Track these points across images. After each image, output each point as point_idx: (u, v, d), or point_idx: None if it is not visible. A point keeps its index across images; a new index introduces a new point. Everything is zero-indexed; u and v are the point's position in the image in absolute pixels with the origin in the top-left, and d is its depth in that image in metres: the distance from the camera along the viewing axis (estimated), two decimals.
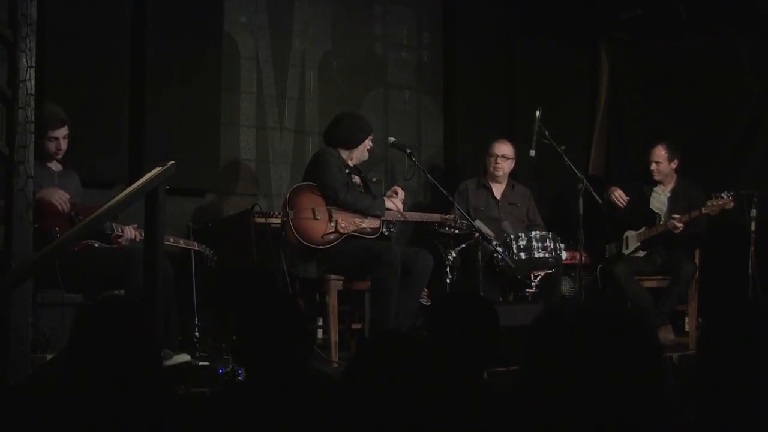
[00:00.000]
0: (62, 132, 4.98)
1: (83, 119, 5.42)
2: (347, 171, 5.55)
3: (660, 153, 6.34)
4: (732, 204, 5.97)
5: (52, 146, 4.98)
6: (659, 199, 6.38)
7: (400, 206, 5.63)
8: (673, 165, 6.35)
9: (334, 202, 5.38)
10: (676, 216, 6.06)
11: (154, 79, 5.84)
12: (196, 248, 5.35)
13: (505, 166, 6.27)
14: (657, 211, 6.34)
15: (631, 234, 6.38)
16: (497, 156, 6.25)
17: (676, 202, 6.31)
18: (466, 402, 2.63)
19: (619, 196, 6.36)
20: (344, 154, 5.57)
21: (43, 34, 4.75)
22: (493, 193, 6.32)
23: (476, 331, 3.04)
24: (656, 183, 6.41)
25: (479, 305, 3.17)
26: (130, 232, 4.94)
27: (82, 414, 2.63)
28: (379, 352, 2.22)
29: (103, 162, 5.63)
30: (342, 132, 5.61)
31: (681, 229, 6.05)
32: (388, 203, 5.56)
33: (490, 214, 6.22)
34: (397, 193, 5.66)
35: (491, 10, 7.41)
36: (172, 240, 5.12)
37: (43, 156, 4.88)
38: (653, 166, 6.33)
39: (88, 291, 4.74)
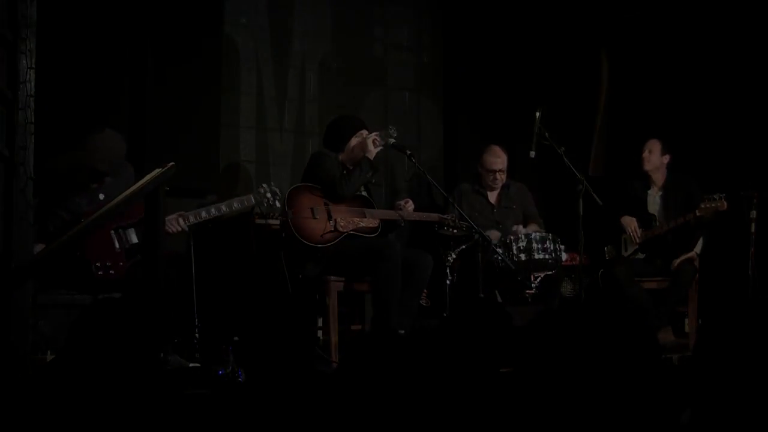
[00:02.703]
0: (107, 179, 4.96)
1: (84, 120, 5.43)
2: (344, 172, 5.57)
3: (654, 144, 6.35)
4: (725, 206, 5.95)
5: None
6: (654, 200, 6.39)
7: (375, 140, 5.57)
8: (665, 159, 6.36)
9: (336, 196, 5.41)
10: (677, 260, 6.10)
11: (154, 81, 5.84)
12: (253, 202, 5.26)
13: (504, 177, 6.26)
14: (654, 213, 6.34)
15: (628, 236, 6.37)
16: (495, 171, 6.20)
17: (668, 199, 6.32)
18: (465, 401, 2.63)
19: (634, 230, 6.30)
20: (340, 156, 5.63)
21: (43, 35, 4.76)
22: (488, 199, 6.31)
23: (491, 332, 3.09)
24: (649, 185, 6.40)
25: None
26: (173, 226, 4.92)
27: (80, 416, 2.64)
28: (375, 352, 2.23)
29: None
30: (329, 135, 5.71)
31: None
32: (369, 144, 5.54)
33: (487, 219, 6.22)
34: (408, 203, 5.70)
35: (491, 11, 7.41)
36: (224, 207, 5.06)
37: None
38: (645, 154, 6.34)
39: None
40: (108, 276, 4.82)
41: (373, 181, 5.79)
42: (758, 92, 6.88)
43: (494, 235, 5.94)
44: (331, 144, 5.69)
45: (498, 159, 6.22)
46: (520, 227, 6.11)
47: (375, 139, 5.56)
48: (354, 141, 5.63)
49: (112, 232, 4.88)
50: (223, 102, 6.27)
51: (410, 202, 5.77)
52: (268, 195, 5.29)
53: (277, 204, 5.28)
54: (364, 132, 5.67)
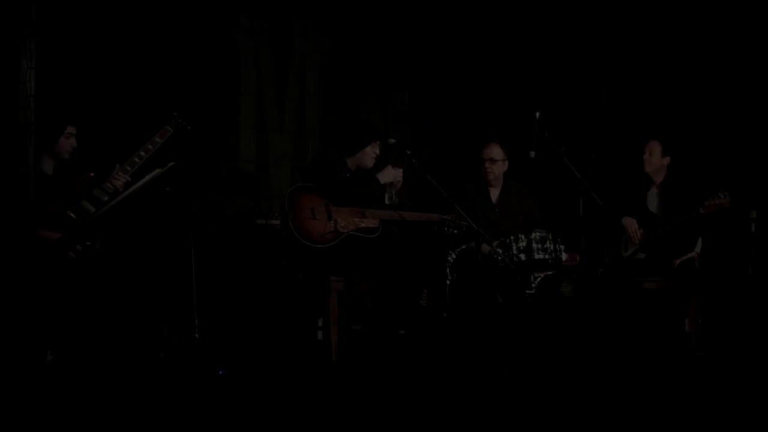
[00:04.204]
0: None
1: (84, 121, 5.44)
2: (348, 175, 5.59)
3: (655, 146, 6.38)
4: (729, 203, 5.98)
5: (67, 144, 4.96)
6: (653, 200, 6.41)
7: (398, 175, 5.66)
8: (665, 161, 6.38)
9: (337, 198, 5.42)
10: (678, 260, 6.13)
11: (154, 82, 5.86)
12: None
13: (495, 169, 6.28)
14: (655, 213, 6.36)
15: (628, 237, 6.39)
16: (485, 160, 6.26)
17: (668, 199, 6.34)
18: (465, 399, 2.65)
19: (635, 231, 6.32)
20: (347, 159, 5.64)
21: (43, 35, 4.77)
22: (490, 197, 6.32)
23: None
24: (649, 186, 6.42)
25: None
26: (119, 180, 4.96)
27: (82, 410, 2.65)
28: (375, 352, 2.24)
29: (104, 163, 5.65)
30: (342, 136, 5.69)
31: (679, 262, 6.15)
32: (385, 176, 5.59)
33: (489, 218, 6.23)
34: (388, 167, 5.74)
35: (493, 13, 7.42)
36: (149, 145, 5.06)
37: (45, 157, 4.88)
38: (645, 156, 6.38)
39: None
40: (92, 248, 4.81)
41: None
42: (757, 93, 6.89)
43: (484, 248, 5.95)
44: (341, 145, 5.66)
45: (491, 150, 6.27)
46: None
47: (397, 175, 5.65)
48: (368, 150, 5.65)
49: (70, 212, 4.85)
50: (223, 102, 6.28)
51: (395, 168, 5.79)
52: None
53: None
54: (377, 145, 5.69)
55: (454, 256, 5.81)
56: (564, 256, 5.99)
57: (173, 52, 5.94)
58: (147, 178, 4.87)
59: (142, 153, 5.02)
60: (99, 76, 5.66)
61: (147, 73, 5.85)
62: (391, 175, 5.67)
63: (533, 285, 5.92)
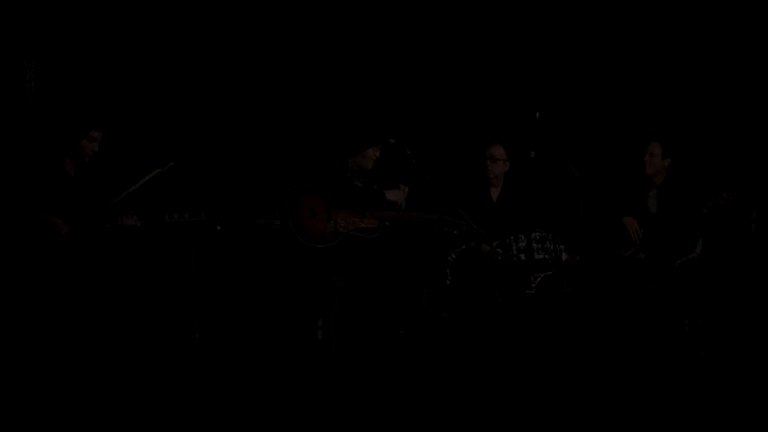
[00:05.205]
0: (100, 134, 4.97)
1: (111, 129, 5.45)
2: (349, 175, 5.60)
3: (656, 147, 6.40)
4: (732, 203, 5.99)
5: (88, 147, 4.94)
6: (654, 201, 6.43)
7: (402, 197, 5.68)
8: (666, 163, 6.40)
9: (336, 199, 5.43)
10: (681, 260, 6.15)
11: (153, 82, 5.86)
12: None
13: (495, 168, 6.29)
14: (654, 213, 6.37)
15: (629, 237, 6.40)
16: (487, 159, 6.28)
17: (665, 200, 6.35)
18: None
19: (635, 231, 6.34)
20: (349, 159, 5.65)
21: (44, 37, 4.77)
22: (491, 197, 6.33)
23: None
24: (649, 187, 6.43)
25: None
26: (129, 220, 4.93)
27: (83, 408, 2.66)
28: (374, 352, 2.24)
29: (104, 163, 5.65)
30: (344, 137, 5.72)
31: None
32: (391, 195, 5.63)
33: (487, 218, 6.23)
34: (399, 188, 5.74)
35: (493, 13, 7.42)
36: None
37: (69, 157, 4.85)
38: (646, 158, 6.40)
39: None
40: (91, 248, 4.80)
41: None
42: (757, 94, 6.90)
43: (484, 248, 5.95)
44: (343, 146, 5.70)
45: (492, 149, 6.29)
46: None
47: (403, 197, 5.72)
48: (369, 152, 5.69)
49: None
50: (222, 101, 6.28)
51: (403, 189, 5.80)
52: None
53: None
54: (378, 147, 5.72)
55: (454, 256, 5.82)
56: (564, 256, 6.00)
57: (171, 51, 5.94)
58: (146, 178, 4.87)
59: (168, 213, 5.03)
60: (126, 83, 5.69)
61: (144, 74, 5.86)
62: (397, 196, 5.71)
63: (533, 285, 5.92)
